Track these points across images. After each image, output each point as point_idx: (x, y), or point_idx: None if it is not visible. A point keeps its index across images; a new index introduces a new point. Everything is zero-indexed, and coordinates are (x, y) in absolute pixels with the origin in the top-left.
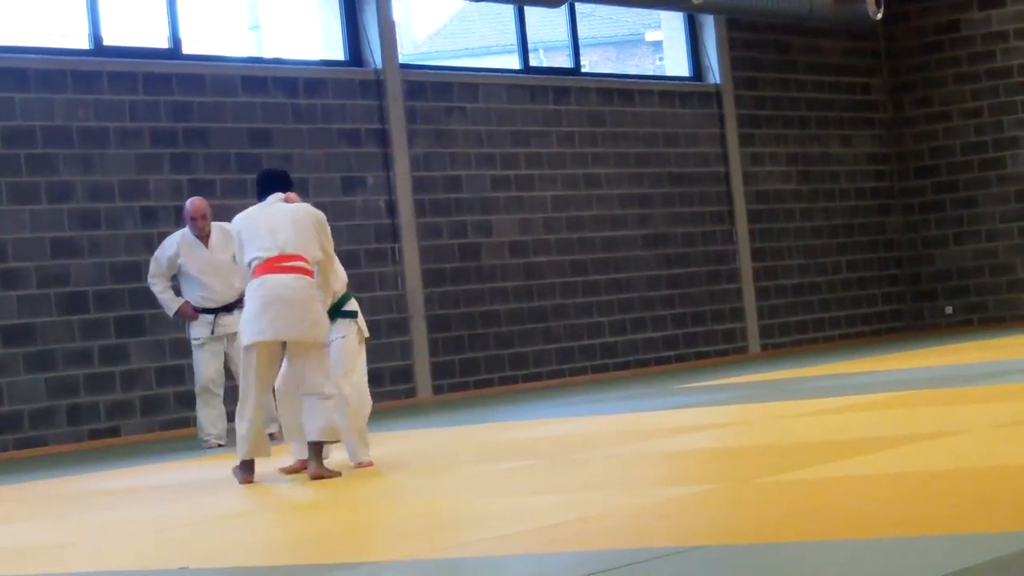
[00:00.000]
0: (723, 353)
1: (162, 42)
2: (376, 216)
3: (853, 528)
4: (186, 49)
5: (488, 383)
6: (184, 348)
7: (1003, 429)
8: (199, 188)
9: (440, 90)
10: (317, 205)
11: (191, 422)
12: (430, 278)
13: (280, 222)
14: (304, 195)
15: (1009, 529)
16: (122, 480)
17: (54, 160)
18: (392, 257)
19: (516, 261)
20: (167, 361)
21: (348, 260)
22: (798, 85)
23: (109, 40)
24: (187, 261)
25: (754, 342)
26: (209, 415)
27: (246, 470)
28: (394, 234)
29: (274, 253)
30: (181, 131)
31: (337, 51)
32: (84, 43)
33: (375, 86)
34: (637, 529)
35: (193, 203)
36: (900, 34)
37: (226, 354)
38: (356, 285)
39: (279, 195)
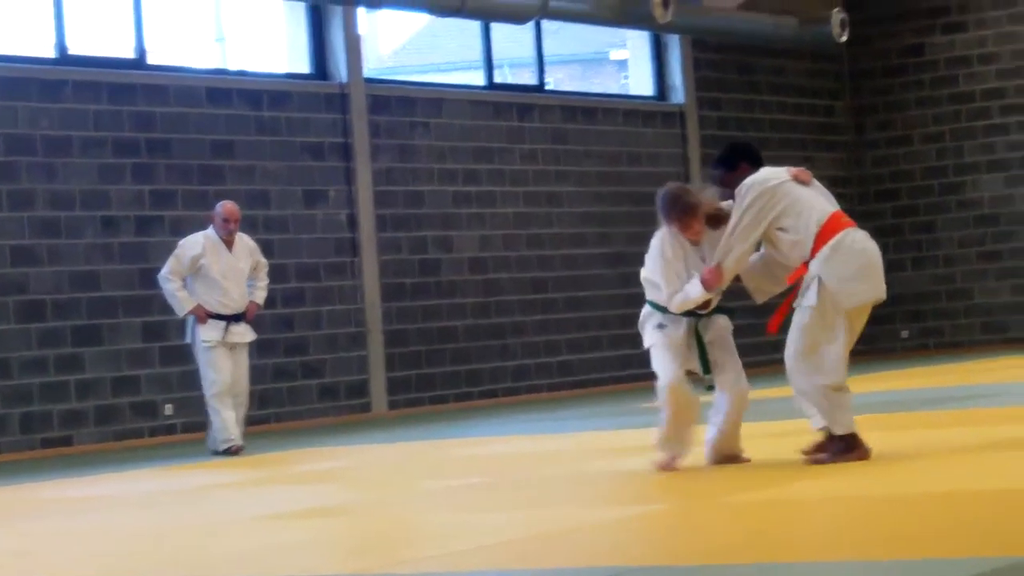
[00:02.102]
0: None
1: (127, 52)
2: (337, 230)
3: (810, 550)
4: (151, 59)
5: (444, 399)
6: (140, 358)
7: (956, 455)
8: (160, 198)
9: (404, 105)
10: (277, 218)
11: (145, 432)
12: (389, 293)
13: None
14: (265, 207)
15: (959, 555)
16: (78, 489)
17: (16, 168)
18: (351, 271)
19: (476, 277)
20: (123, 371)
21: (307, 273)
22: (761, 106)
23: (74, 49)
24: (211, 263)
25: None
26: (231, 417)
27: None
28: (354, 248)
29: (838, 208)
30: (144, 141)
31: (302, 64)
32: (49, 52)
33: (339, 99)
34: (593, 548)
35: (225, 206)
36: (863, 57)
37: None
38: (314, 299)
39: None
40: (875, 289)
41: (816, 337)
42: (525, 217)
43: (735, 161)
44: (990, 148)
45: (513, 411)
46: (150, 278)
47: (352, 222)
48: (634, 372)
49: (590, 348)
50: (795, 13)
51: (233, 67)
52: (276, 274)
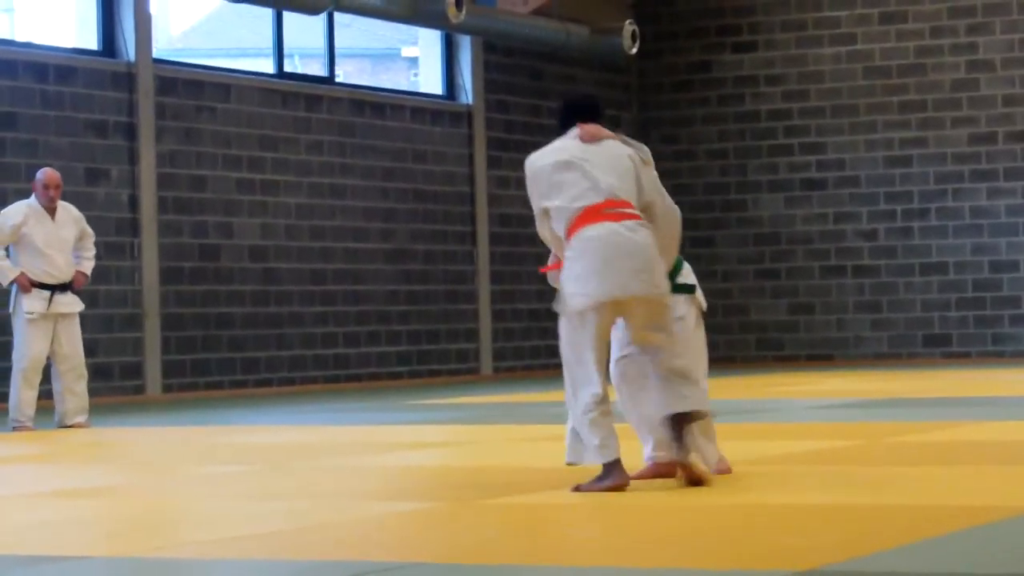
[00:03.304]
0: (455, 373)
1: None
2: (118, 209)
3: (570, 555)
4: None
5: (219, 385)
6: None
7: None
8: None
9: (192, 88)
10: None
11: None
12: (168, 276)
13: (600, 162)
14: None
15: (721, 568)
16: None
17: None
18: (131, 252)
19: (255, 265)
20: None
21: None
22: (549, 112)
23: None
24: (34, 232)
25: (487, 364)
26: (30, 397)
27: (619, 473)
28: (135, 229)
29: (600, 199)
30: None
31: (91, 40)
32: None
33: (127, 79)
34: (356, 542)
35: (47, 173)
36: (653, 70)
37: (54, 335)
38: (92, 278)
39: (575, 131)
40: (607, 287)
41: (571, 348)
42: (308, 208)
43: (566, 120)
44: (772, 168)
45: (287, 401)
46: None
47: (133, 203)
48: (413, 368)
49: (367, 342)
50: (587, 23)
51: (20, 39)
52: None
